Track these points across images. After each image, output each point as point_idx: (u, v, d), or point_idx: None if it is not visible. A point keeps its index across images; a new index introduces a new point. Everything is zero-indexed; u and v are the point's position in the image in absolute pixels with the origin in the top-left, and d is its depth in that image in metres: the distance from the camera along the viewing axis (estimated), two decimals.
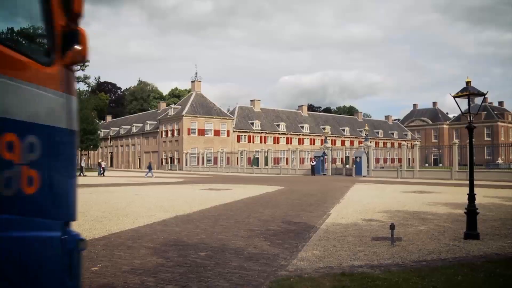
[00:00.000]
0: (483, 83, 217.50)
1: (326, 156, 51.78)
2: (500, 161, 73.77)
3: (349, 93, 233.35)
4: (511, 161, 44.53)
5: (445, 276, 6.63)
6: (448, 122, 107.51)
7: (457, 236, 10.20)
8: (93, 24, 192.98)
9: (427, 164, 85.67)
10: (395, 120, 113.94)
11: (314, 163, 50.73)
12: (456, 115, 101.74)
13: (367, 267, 7.32)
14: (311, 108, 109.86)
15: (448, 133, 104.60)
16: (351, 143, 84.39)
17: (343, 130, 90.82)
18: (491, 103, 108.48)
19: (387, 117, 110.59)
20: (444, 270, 7.06)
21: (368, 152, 47.84)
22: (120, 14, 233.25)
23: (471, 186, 10.25)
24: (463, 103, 10.49)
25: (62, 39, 2.86)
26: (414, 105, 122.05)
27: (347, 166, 53.30)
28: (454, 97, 10.48)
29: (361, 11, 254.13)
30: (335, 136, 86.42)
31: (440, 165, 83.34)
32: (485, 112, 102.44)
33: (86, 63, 73.93)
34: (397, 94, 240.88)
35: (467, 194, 10.26)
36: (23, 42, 3.05)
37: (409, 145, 62.89)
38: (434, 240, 9.88)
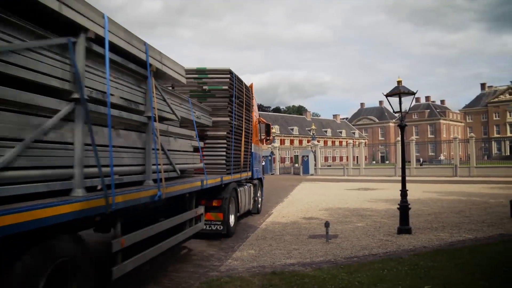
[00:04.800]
0: (429, 82, 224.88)
1: (274, 156, 52.07)
2: (442, 157, 76.43)
3: (299, 93, 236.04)
4: (452, 157, 46.02)
5: (372, 271, 6.79)
6: (393, 120, 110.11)
7: (391, 231, 10.50)
8: None
9: (374, 162, 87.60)
10: (343, 119, 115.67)
11: (263, 163, 50.90)
12: (404, 113, 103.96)
13: (299, 265, 7.40)
14: (260, 108, 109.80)
15: (394, 131, 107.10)
16: (300, 142, 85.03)
17: (292, 129, 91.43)
18: (434, 101, 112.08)
19: (335, 116, 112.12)
20: (372, 265, 7.23)
21: (315, 151, 48.44)
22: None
23: (403, 183, 10.55)
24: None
25: (265, 139, 16.04)
26: (361, 104, 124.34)
27: (296, 165, 53.77)
28: (386, 96, 10.77)
29: (311, 11, 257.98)
30: (284, 136, 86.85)
31: (387, 162, 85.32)
32: (428, 110, 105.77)
33: None
34: (347, 93, 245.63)
35: (400, 190, 10.56)
36: (262, 140, 15.99)
37: (357, 143, 64.18)
38: (369, 236, 10.12)
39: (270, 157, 51.13)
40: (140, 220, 6.05)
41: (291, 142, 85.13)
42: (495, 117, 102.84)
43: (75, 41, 4.31)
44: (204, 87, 10.28)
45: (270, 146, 50.24)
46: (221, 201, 9.84)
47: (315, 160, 47.61)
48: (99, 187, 4.76)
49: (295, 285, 6.16)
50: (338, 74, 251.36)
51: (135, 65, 5.68)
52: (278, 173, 50.66)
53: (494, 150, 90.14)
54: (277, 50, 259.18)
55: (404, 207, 10.28)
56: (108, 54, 4.83)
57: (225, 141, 10.30)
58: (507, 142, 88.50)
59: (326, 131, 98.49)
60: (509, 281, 6.16)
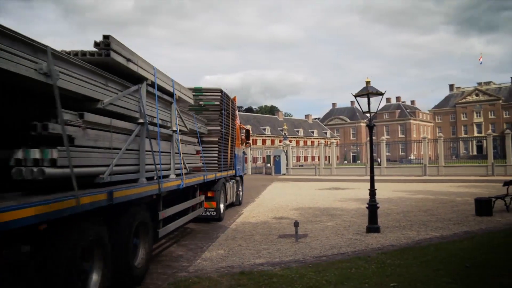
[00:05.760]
0: (400, 83, 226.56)
1: (246, 156, 51.96)
2: (412, 156, 77.79)
3: (272, 93, 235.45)
4: (422, 156, 46.90)
5: (339, 269, 6.85)
6: (365, 120, 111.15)
7: (361, 230, 10.61)
8: (1, 19, 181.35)
9: (346, 161, 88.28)
10: (315, 119, 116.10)
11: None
12: (373, 113, 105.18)
13: (268, 265, 7.41)
14: None
15: (365, 131, 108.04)
16: (272, 142, 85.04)
17: (264, 129, 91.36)
18: (404, 102, 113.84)
19: (307, 116, 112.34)
20: (340, 263, 7.29)
21: (287, 151, 48.61)
22: (33, 8, 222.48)
23: (372, 182, 10.68)
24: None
25: (245, 142, 18.55)
26: (333, 104, 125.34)
27: (268, 165, 53.82)
28: (355, 96, 10.89)
29: (284, 11, 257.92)
30: (256, 136, 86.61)
31: (359, 162, 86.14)
32: (399, 110, 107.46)
33: None
34: (319, 94, 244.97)
35: (369, 189, 10.67)
36: (242, 143, 18.12)
37: (328, 143, 64.78)
38: (338, 235, 10.20)
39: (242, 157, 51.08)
40: (166, 203, 8.33)
41: (263, 142, 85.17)
42: (463, 117, 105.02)
43: (141, 86, 6.98)
44: (200, 103, 12.77)
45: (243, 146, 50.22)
46: (214, 193, 12.56)
47: (286, 160, 47.81)
48: (155, 178, 7.31)
49: (263, 284, 6.17)
50: (311, 75, 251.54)
51: (166, 95, 8.45)
52: (250, 173, 50.53)
53: (462, 150, 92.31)
54: (250, 50, 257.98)
55: (372, 206, 10.41)
56: (157, 93, 7.70)
57: (217, 145, 12.97)
58: (474, 142, 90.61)
59: (298, 131, 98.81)
60: (470, 276, 6.31)
